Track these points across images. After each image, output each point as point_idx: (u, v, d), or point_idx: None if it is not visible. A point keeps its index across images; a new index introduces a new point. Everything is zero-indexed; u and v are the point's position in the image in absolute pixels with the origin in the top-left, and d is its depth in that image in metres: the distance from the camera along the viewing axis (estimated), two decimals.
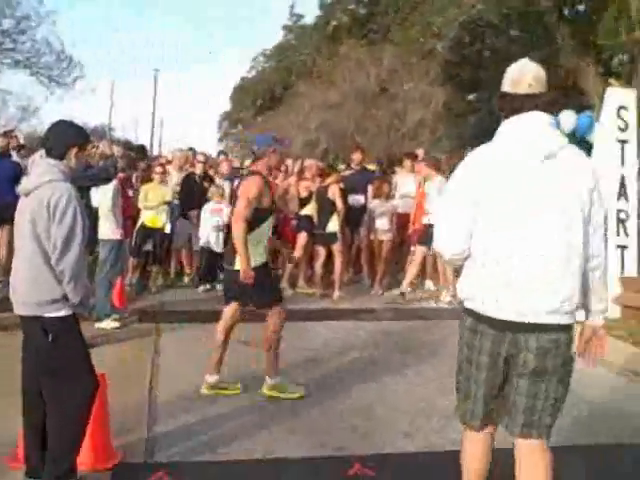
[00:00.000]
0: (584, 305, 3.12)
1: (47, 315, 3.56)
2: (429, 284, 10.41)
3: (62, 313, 3.58)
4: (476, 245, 3.01)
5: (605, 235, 3.13)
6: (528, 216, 2.92)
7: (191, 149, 11.92)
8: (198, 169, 10.38)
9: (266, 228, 5.36)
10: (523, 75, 3.07)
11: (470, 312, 3.09)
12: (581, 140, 8.71)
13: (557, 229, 2.91)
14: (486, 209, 2.97)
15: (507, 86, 3.11)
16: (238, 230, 5.10)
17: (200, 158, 10.70)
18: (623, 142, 8.55)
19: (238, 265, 5.16)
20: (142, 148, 12.69)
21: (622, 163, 8.50)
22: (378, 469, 4.14)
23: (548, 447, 3.08)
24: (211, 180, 10.30)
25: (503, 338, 2.99)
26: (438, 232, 3.14)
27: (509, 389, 3.09)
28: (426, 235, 8.75)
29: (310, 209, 9.71)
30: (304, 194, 9.77)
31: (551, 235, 2.91)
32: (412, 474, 4.15)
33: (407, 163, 11.29)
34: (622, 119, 8.57)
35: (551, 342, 2.96)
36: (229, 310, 5.44)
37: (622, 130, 8.57)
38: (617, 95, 8.66)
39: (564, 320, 2.97)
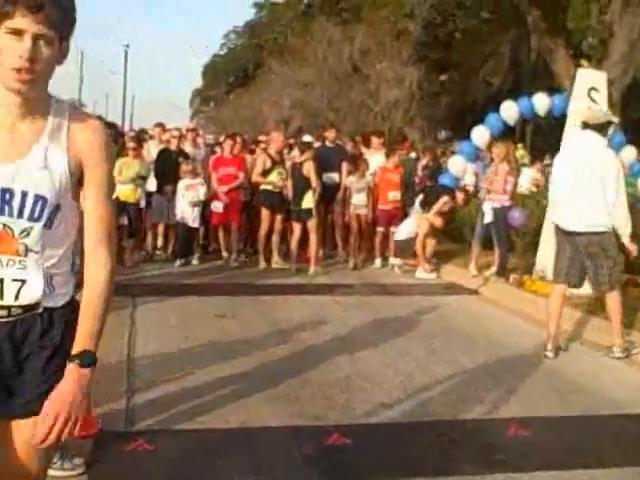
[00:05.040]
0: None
1: None
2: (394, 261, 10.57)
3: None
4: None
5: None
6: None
7: (159, 125, 11.78)
8: (173, 144, 10.34)
9: None
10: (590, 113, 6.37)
11: (557, 227, 6.10)
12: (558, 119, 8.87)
13: None
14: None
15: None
16: None
17: (175, 133, 10.65)
18: None
19: None
20: (113, 126, 12.51)
21: None
22: (356, 438, 4.19)
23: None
24: (186, 156, 10.27)
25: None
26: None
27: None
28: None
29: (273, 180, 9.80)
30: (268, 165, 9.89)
31: None
32: (390, 443, 4.21)
33: (375, 141, 11.40)
34: (593, 100, 8.71)
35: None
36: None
37: None
38: (588, 76, 8.78)
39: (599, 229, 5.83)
